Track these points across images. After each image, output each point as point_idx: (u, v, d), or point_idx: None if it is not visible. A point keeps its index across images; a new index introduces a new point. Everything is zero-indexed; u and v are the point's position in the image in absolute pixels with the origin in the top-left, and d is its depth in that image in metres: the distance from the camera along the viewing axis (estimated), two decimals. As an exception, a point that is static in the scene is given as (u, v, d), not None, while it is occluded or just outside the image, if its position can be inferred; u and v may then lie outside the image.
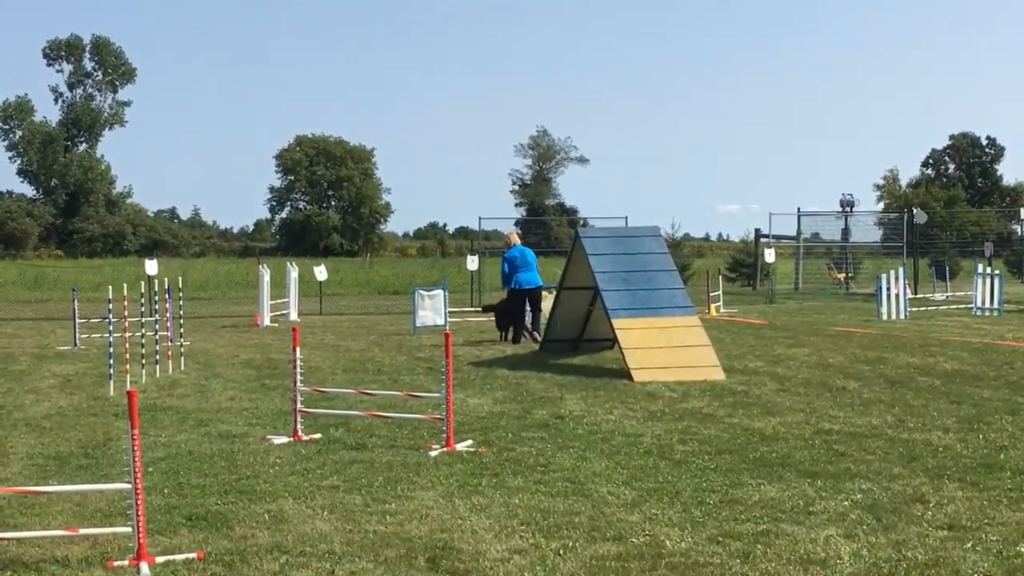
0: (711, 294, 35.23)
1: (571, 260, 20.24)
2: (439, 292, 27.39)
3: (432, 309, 27.15)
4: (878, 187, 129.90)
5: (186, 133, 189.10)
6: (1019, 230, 73.90)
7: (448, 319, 27.44)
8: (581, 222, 78.37)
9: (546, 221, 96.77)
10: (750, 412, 13.75)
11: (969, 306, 33.32)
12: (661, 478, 10.03)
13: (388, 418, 12.89)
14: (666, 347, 17.44)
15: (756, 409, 13.98)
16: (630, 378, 16.83)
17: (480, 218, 58.94)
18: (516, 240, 24.56)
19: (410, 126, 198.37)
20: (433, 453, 11.30)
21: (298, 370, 12.50)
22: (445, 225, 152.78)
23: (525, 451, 11.42)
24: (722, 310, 34.88)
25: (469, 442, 11.85)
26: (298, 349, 12.62)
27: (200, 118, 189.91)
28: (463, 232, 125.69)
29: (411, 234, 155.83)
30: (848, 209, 51.10)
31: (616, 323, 17.89)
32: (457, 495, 9.46)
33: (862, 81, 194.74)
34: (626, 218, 43.27)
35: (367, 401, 14.00)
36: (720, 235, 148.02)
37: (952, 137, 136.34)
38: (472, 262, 37.18)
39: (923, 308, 34.61)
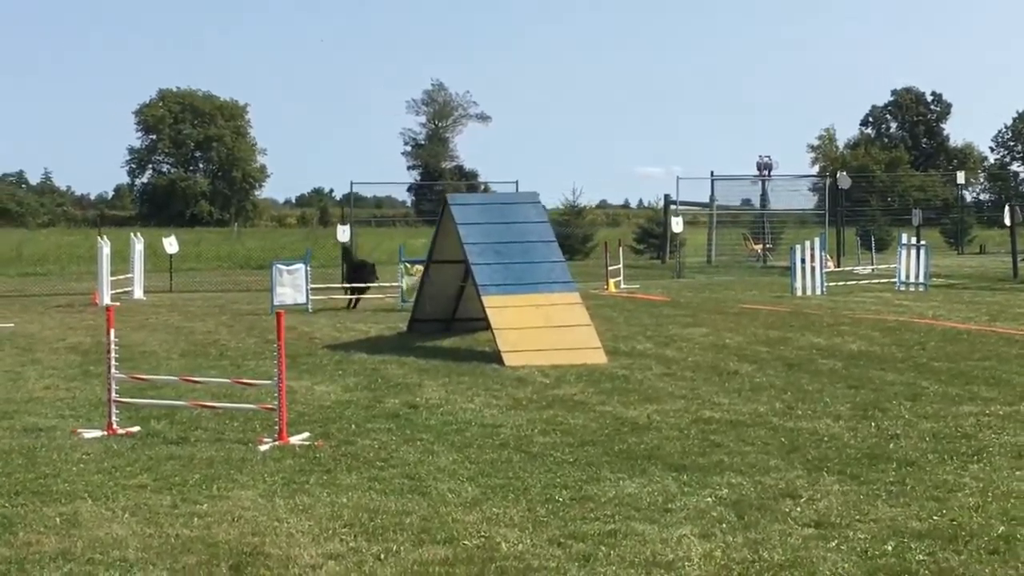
0: (610, 268, 35.36)
1: (440, 230, 20.25)
2: (300, 267, 27.29)
3: (292, 286, 27.05)
4: (813, 148, 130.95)
5: (34, 88, 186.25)
6: (961, 196, 74.99)
7: (310, 296, 27.32)
8: (482, 187, 78.54)
9: (442, 185, 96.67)
10: (626, 399, 13.89)
11: (894, 280, 33.75)
12: (511, 473, 10.11)
13: (216, 408, 12.83)
14: (543, 327, 17.54)
15: (634, 396, 14.12)
16: (501, 362, 16.90)
17: (352, 183, 58.51)
18: None
19: (289, 79, 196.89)
20: (263, 448, 11.29)
21: (112, 355, 12.42)
22: (331, 191, 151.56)
23: (367, 444, 11.45)
24: (622, 286, 35.03)
25: (305, 435, 11.84)
26: (112, 331, 12.55)
27: (50, 70, 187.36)
28: (352, 199, 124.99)
29: (293, 201, 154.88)
30: (765, 173, 51.55)
31: (487, 301, 17.96)
32: (280, 494, 9.47)
33: (797, 32, 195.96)
34: (516, 182, 43.39)
35: (199, 390, 13.91)
36: (641, 201, 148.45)
37: (894, 93, 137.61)
38: (343, 232, 37.07)
39: (844, 283, 35.04)
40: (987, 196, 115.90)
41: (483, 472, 10.17)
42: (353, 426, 12.41)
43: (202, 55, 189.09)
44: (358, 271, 29.49)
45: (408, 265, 26.91)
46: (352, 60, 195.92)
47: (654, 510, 8.83)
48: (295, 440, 11.58)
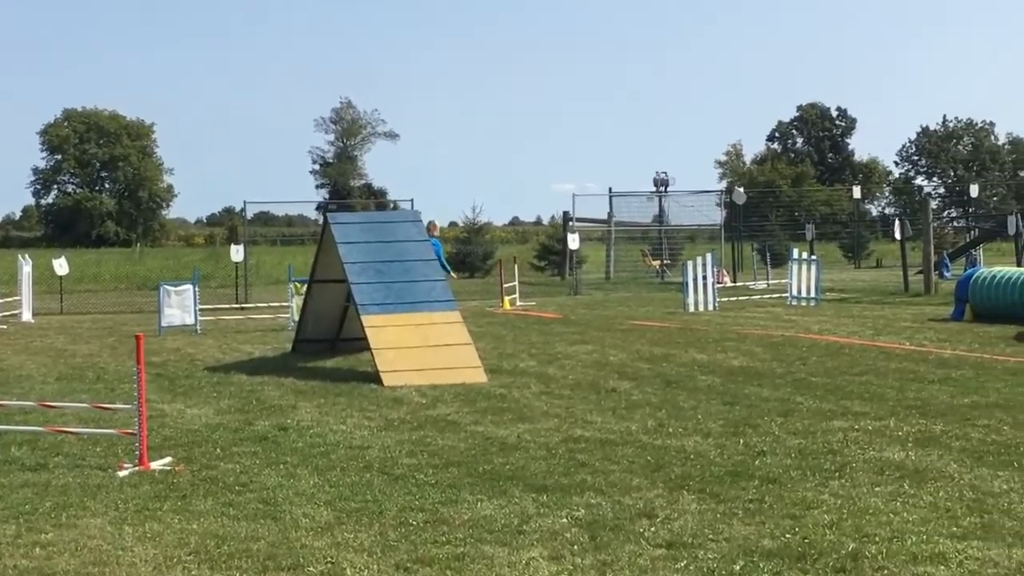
0: (505, 285, 35.27)
1: (321, 249, 20.10)
2: (188, 288, 26.98)
3: (180, 307, 26.75)
4: (720, 164, 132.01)
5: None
6: (857, 210, 75.73)
7: (199, 317, 27.02)
8: (392, 205, 78.18)
9: (351, 204, 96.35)
10: (500, 418, 13.78)
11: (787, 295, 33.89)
12: (370, 496, 9.96)
13: (79, 434, 12.57)
14: (423, 347, 17.41)
15: (508, 415, 14.01)
16: (380, 382, 16.75)
17: (245, 202, 58.00)
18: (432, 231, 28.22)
19: (196, 97, 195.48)
20: (122, 473, 11.06)
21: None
22: (242, 210, 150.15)
23: (229, 468, 11.26)
24: (518, 303, 34.96)
25: (167, 460, 11.62)
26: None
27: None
28: (262, 218, 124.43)
29: (204, 220, 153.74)
30: (662, 189, 51.75)
31: (367, 320, 17.80)
32: (130, 522, 9.26)
33: (707, 48, 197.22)
34: (411, 200, 43.28)
35: (68, 414, 13.65)
36: (553, 217, 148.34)
37: (800, 108, 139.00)
38: (237, 252, 36.70)
39: (738, 298, 35.18)
40: (892, 210, 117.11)
41: (341, 496, 10.02)
42: (218, 450, 12.21)
43: (107, 74, 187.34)
44: None
45: (298, 285, 26.66)
46: (261, 78, 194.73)
47: (507, 532, 8.71)
48: (156, 465, 11.36)
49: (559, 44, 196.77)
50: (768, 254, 48.03)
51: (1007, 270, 26.88)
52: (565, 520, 9.01)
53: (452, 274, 33.93)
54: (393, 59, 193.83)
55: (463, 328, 18.11)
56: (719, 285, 34.81)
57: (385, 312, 17.86)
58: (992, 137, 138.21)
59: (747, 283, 43.68)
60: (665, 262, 51.37)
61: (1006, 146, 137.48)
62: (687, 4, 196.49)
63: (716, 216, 51.57)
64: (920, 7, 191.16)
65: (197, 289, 27.23)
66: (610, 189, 52.53)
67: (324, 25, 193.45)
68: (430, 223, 29.83)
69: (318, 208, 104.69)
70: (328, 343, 21.26)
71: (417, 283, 18.40)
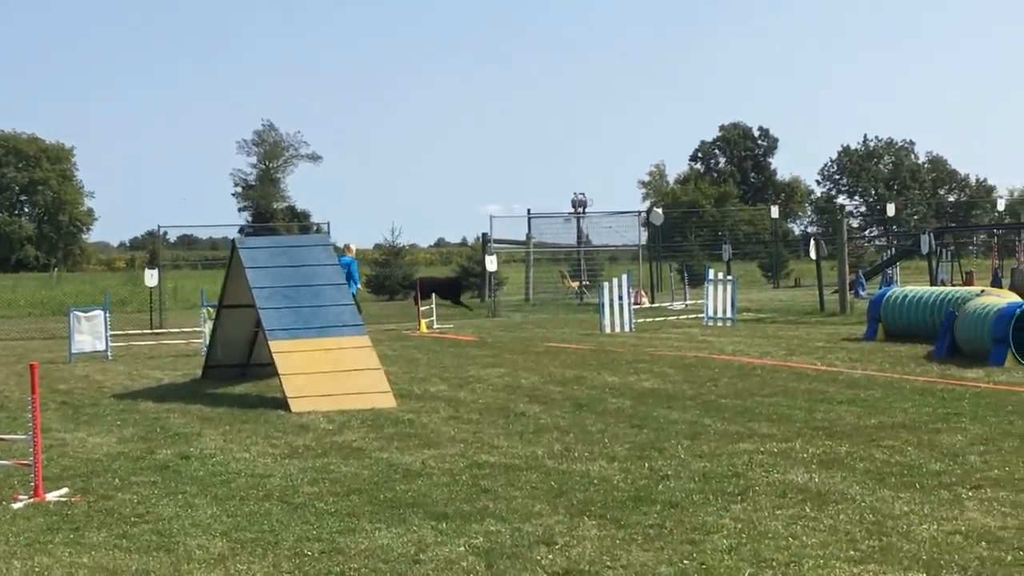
0: (423, 308, 35.17)
1: (230, 274, 19.92)
2: (98, 313, 26.70)
3: (91, 333, 26.46)
4: (644, 184, 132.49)
5: None
6: (775, 229, 76.19)
7: (110, 344, 26.73)
8: (315, 228, 77.86)
9: (273, 227, 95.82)
10: (406, 445, 13.68)
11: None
12: (267, 526, 9.83)
13: (-26, 465, 12.36)
14: (331, 372, 17.29)
15: (414, 441, 13.92)
16: (288, 408, 16.61)
17: (159, 226, 57.44)
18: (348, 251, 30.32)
19: (118, 120, 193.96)
20: (17, 505, 10.89)
21: None
22: (165, 233, 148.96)
23: (126, 499, 11.10)
24: (435, 326, 34.85)
25: (64, 491, 11.45)
26: None
27: None
28: (186, 241, 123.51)
29: (127, 244, 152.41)
30: (580, 210, 51.82)
31: (275, 346, 17.66)
32: (19, 556, 9.10)
33: (631, 69, 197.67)
34: (328, 223, 43.07)
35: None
36: (478, 239, 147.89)
37: (723, 128, 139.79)
38: (151, 277, 36.38)
39: (655, 319, 35.21)
40: (814, 229, 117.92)
41: (238, 526, 9.88)
42: (117, 480, 12.04)
43: (26, 97, 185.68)
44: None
45: (210, 310, 26.42)
46: (183, 101, 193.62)
47: (403, 562, 8.62)
48: (52, 496, 11.19)
49: (486, 65, 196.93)
50: (687, 274, 48.18)
51: (919, 289, 27.09)
52: (463, 548, 8.92)
53: (359, 286, 35.39)
54: (316, 81, 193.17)
55: (372, 353, 17.99)
56: (636, 306, 34.82)
57: (293, 337, 17.72)
58: (912, 156, 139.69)
59: (665, 303, 43.76)
60: (584, 283, 51.36)
61: (926, 165, 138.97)
62: (610, 27, 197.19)
63: (637, 237, 51.63)
64: (840, 28, 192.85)
65: (109, 315, 26.94)
66: (529, 210, 52.58)
67: (246, 47, 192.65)
68: (346, 245, 30.22)
69: (240, 231, 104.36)
70: (238, 369, 21.07)
71: (326, 307, 18.28)
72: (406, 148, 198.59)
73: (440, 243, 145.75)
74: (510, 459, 12.58)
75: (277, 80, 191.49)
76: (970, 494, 10.22)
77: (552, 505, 10.33)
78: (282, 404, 16.94)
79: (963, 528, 9.06)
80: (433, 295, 37.84)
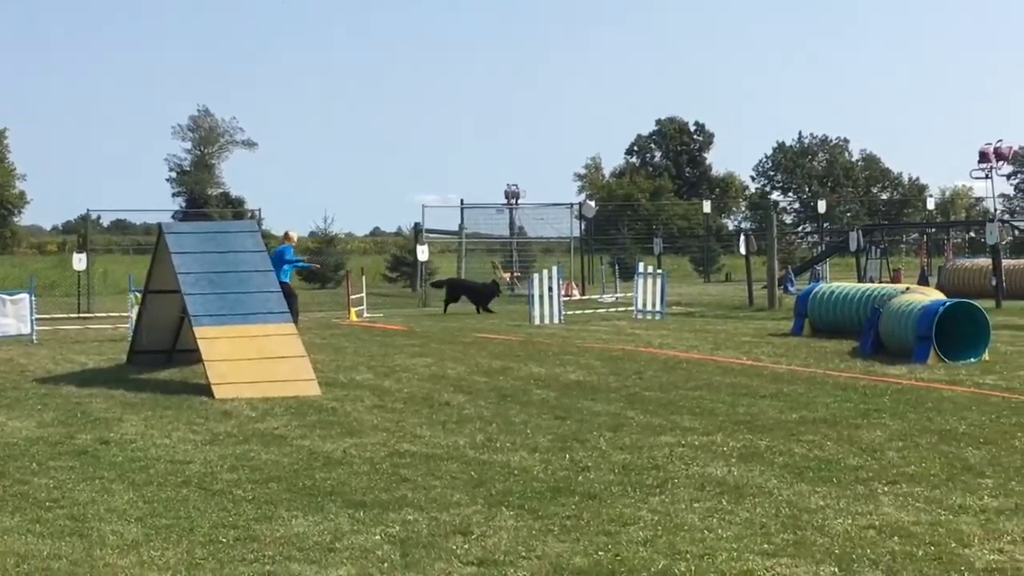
0: (353, 297, 35.12)
1: (155, 260, 19.84)
2: (24, 296, 26.51)
3: (16, 316, 26.29)
4: (580, 177, 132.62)
5: None
6: (707, 224, 76.61)
7: (35, 327, 26.54)
8: (249, 214, 77.49)
9: (208, 213, 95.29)
10: (328, 432, 13.65)
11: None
12: (183, 512, 9.78)
13: None
14: (256, 359, 17.23)
15: (337, 429, 13.89)
16: (212, 394, 16.54)
17: (88, 210, 57.08)
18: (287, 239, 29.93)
19: (51, 103, 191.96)
20: (-69, 488, 10.78)
21: None
22: (99, 217, 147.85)
23: (42, 484, 11.01)
24: (365, 315, 34.81)
25: (-21, 475, 11.36)
26: None
27: None
28: (119, 225, 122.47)
29: (60, 227, 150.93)
30: (513, 201, 51.90)
31: (199, 332, 17.59)
32: (-71, 541, 9.00)
33: (567, 61, 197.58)
34: (259, 209, 42.93)
35: None
36: (417, 228, 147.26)
37: (659, 122, 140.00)
38: (79, 261, 36.13)
39: (585, 311, 35.32)
40: (748, 224, 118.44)
41: (154, 512, 9.83)
42: (35, 464, 11.94)
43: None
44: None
45: (137, 295, 26.27)
46: (119, 84, 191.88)
47: (318, 550, 8.59)
48: (-34, 481, 11.10)
49: (421, 54, 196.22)
50: (618, 267, 48.32)
51: (845, 286, 27.26)
52: (378, 537, 8.91)
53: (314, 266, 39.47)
54: (252, 66, 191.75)
55: (298, 340, 17.95)
56: (566, 298, 34.91)
57: (218, 323, 17.65)
58: (846, 153, 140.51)
59: (596, 296, 43.86)
60: (516, 275, 51.43)
61: (859, 162, 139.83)
62: (548, 16, 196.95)
63: (571, 229, 51.75)
64: (778, 24, 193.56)
65: (34, 298, 26.76)
66: (462, 201, 52.56)
67: (182, 31, 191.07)
68: (286, 233, 30.57)
69: (173, 217, 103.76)
70: (164, 354, 20.96)
71: (252, 294, 18.22)
72: (343, 136, 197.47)
73: (375, 232, 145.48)
74: (431, 449, 12.57)
75: (213, 66, 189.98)
76: (886, 489, 10.29)
77: (471, 495, 10.33)
78: (206, 390, 16.87)
79: (877, 523, 9.12)
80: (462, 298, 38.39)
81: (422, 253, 42.13)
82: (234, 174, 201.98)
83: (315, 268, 45.46)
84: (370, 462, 11.88)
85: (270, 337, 17.68)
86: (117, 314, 29.78)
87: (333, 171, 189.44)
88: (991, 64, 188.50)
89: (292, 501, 10.18)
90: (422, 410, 15.32)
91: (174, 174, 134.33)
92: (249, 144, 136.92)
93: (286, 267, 28.36)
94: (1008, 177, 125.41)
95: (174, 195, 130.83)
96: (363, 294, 36.04)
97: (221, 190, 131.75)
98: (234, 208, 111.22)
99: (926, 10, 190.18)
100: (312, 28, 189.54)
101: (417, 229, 50.55)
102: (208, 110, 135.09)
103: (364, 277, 37.05)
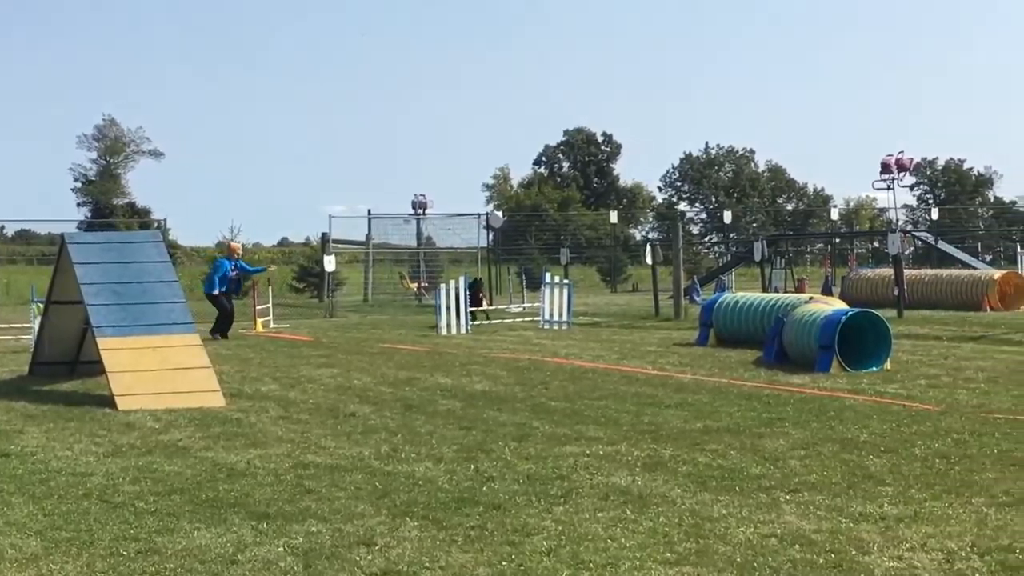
0: (259, 307, 34.94)
1: (58, 270, 19.62)
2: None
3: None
4: (488, 187, 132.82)
5: None
6: (615, 234, 76.92)
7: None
8: (155, 224, 76.81)
9: (113, 223, 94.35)
10: (232, 444, 13.56)
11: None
12: (84, 525, 9.68)
13: None
14: (160, 370, 17.09)
15: (241, 440, 13.80)
16: (115, 406, 16.39)
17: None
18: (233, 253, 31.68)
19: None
20: None
21: None
22: (3, 228, 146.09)
23: (-60, 497, 10.87)
24: (271, 325, 34.65)
25: None
26: None
27: None
28: (23, 235, 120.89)
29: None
30: (421, 211, 51.90)
31: (102, 343, 17.41)
32: None
33: (476, 72, 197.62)
34: (166, 219, 42.64)
35: None
36: (324, 238, 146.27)
37: (567, 133, 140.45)
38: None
39: (492, 321, 35.33)
40: (656, 235, 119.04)
41: (54, 525, 9.72)
42: (-68, 478, 11.79)
43: None
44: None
45: (40, 305, 25.98)
46: (22, 94, 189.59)
47: (220, 562, 8.54)
48: None
49: (328, 63, 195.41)
50: (525, 277, 48.42)
51: (749, 296, 27.49)
52: (281, 549, 8.87)
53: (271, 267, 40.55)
54: (158, 76, 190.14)
55: (202, 351, 17.83)
56: (474, 308, 34.93)
57: (121, 334, 17.49)
58: (752, 164, 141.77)
59: (503, 306, 43.90)
60: (423, 285, 51.42)
61: (765, 173, 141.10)
62: (456, 25, 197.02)
63: (479, 239, 51.85)
64: (684, 35, 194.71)
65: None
66: (369, 211, 52.53)
67: (86, 39, 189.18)
68: (231, 245, 33.24)
69: (79, 227, 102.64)
70: (67, 366, 20.73)
71: (156, 305, 18.06)
72: (251, 146, 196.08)
73: (283, 242, 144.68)
74: (336, 459, 12.53)
75: (119, 75, 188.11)
76: (788, 497, 10.38)
77: (375, 506, 10.31)
78: (109, 402, 16.70)
79: (779, 531, 9.20)
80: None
81: (329, 263, 41.92)
82: (140, 184, 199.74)
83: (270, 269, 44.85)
84: (274, 473, 11.83)
85: (174, 348, 17.54)
86: (19, 325, 29.42)
87: (241, 181, 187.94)
88: (892, 76, 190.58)
89: (195, 513, 10.11)
90: (327, 421, 15.26)
91: (79, 184, 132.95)
92: (156, 154, 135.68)
93: (221, 278, 30.41)
94: (911, 188, 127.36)
95: (79, 205, 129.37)
96: (269, 304, 35.87)
97: (127, 200, 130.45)
98: (140, 218, 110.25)
99: (829, 19, 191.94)
100: (218, 37, 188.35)
101: (324, 239, 50.31)
102: (114, 119, 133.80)
103: (271, 287, 36.81)
